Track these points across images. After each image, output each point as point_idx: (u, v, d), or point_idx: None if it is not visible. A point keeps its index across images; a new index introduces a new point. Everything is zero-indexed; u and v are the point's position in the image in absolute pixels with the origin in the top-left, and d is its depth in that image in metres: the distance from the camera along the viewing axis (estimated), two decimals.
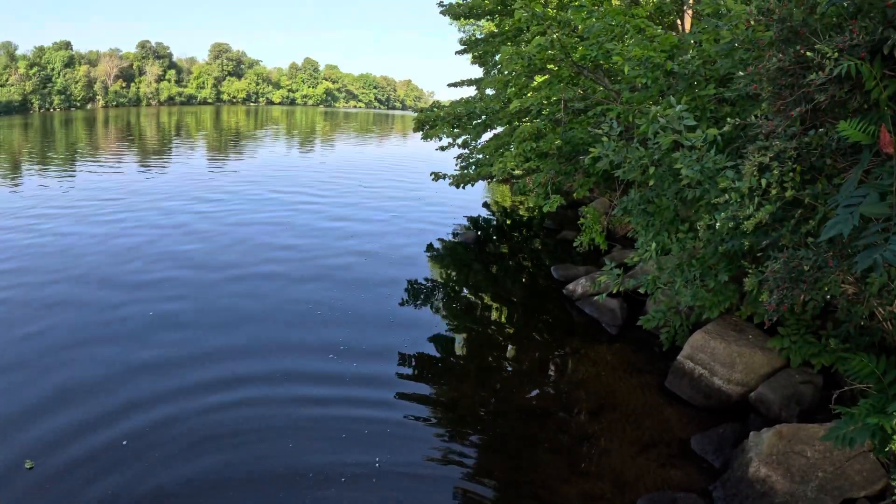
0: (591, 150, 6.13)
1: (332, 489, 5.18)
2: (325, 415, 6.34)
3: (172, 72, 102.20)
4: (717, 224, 4.47)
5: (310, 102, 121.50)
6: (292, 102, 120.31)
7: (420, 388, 7.03)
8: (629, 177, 6.10)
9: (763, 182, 3.99)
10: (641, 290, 6.95)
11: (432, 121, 14.31)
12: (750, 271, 4.44)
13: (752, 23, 4.18)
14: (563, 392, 7.14)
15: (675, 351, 7.07)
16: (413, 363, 7.65)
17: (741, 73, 4.29)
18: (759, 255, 4.87)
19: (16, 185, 21.09)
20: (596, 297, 8.45)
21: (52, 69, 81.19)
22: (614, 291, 6.79)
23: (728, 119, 4.55)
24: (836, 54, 3.27)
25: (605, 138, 6.00)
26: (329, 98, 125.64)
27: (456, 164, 14.95)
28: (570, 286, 10.10)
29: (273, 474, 5.43)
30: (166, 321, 8.51)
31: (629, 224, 8.23)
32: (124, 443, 5.82)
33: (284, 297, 9.66)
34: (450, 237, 14.65)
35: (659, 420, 6.23)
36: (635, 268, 8.92)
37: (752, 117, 4.21)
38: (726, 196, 4.36)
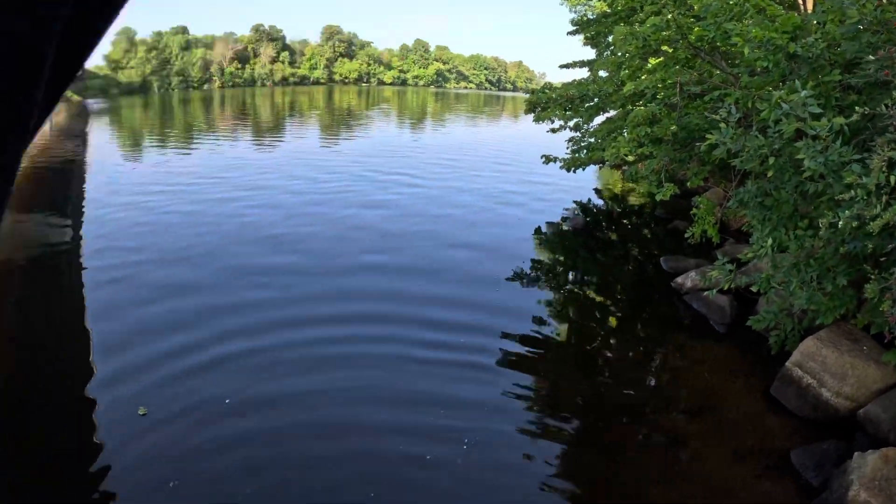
0: (707, 136, 5.85)
1: (417, 465, 5.34)
2: (420, 388, 6.58)
3: (286, 54, 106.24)
4: (840, 222, 4.13)
5: (420, 83, 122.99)
6: (403, 83, 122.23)
7: (518, 369, 7.09)
8: (747, 166, 5.77)
9: (892, 179, 3.62)
10: (754, 289, 6.57)
11: (544, 102, 14.21)
12: (872, 277, 4.07)
13: (884, 1, 3.77)
14: (662, 388, 6.94)
15: (783, 356, 6.64)
16: (514, 344, 7.71)
17: (871, 58, 3.88)
18: (882, 259, 4.44)
19: (136, 163, 22.85)
20: (705, 293, 8.12)
21: (170, 52, 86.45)
22: (725, 288, 6.45)
23: (856, 108, 4.15)
24: None
25: (722, 125, 5.70)
26: (440, 79, 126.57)
27: (567, 148, 14.75)
28: (679, 279, 9.71)
29: (356, 427, 5.89)
30: (279, 296, 9.16)
31: (744, 217, 7.79)
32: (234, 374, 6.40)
33: (391, 276, 10.03)
34: (558, 222, 14.49)
35: (760, 428, 5.91)
36: (749, 264, 8.43)
37: (882, 107, 3.81)
38: (851, 192, 4.00)
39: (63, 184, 19.11)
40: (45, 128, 37.18)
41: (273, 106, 57.02)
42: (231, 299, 9.01)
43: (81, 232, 12.73)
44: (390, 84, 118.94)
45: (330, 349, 7.54)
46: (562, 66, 19.79)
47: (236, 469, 5.28)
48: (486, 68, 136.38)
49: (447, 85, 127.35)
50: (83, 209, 14.91)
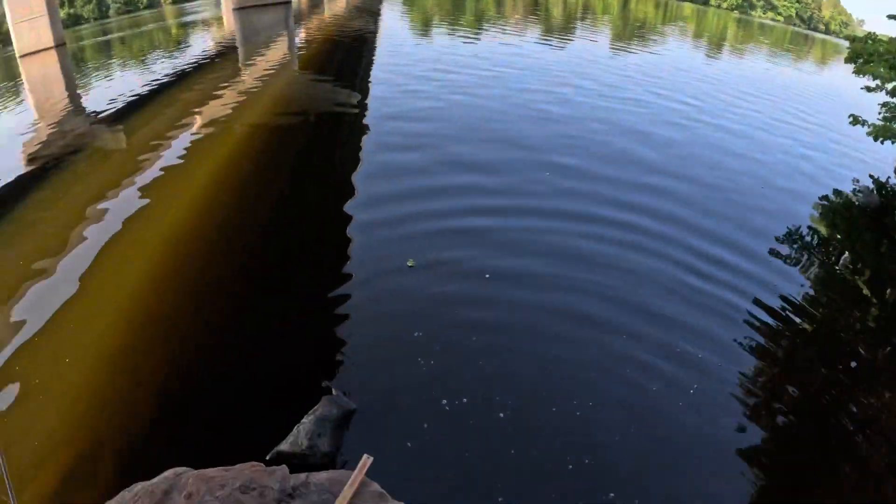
0: None
1: (644, 384, 5.93)
2: (666, 310, 7.15)
3: None
4: None
5: (724, 6, 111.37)
6: (705, 2, 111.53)
7: (758, 335, 7.20)
8: None
9: None
10: None
11: (868, 54, 13.03)
12: None
13: None
14: (886, 417, 6.42)
15: None
16: (762, 310, 7.74)
17: None
18: None
19: (423, 46, 24.52)
20: None
21: None
22: None
23: None
24: None
25: None
26: (745, 4, 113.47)
27: (879, 113, 13.45)
28: None
29: (595, 325, 6.70)
30: (546, 190, 10.36)
31: None
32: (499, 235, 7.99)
33: (668, 210, 10.35)
34: (849, 193, 13.30)
35: None
36: None
37: None
38: None
39: (354, 57, 21.50)
40: (342, 4, 41.03)
41: (565, 5, 55.58)
42: (502, 181, 10.17)
43: (366, 101, 14.77)
44: (691, 2, 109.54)
45: (589, 247, 8.42)
46: (890, 17, 17.69)
47: (476, 336, 6.14)
48: (798, 1, 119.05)
49: (753, 13, 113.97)
50: (369, 82, 16.90)
